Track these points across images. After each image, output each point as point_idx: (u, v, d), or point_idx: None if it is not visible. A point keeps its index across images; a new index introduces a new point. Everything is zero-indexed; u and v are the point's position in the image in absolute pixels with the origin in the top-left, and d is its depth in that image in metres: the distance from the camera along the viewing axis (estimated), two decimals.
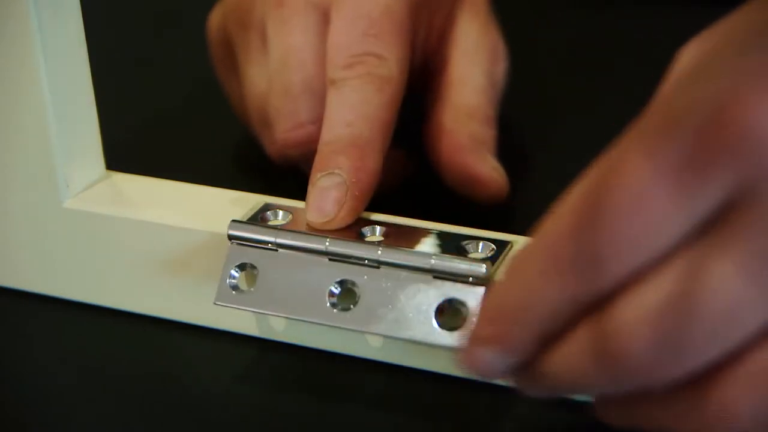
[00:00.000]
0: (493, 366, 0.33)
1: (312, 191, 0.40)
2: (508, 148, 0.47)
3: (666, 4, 0.65)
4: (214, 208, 0.42)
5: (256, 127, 0.48)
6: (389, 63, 0.44)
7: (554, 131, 0.54)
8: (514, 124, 0.52)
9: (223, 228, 0.40)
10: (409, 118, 0.46)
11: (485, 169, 0.45)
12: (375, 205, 0.41)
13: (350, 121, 0.42)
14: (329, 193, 0.40)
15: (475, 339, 0.33)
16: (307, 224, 0.40)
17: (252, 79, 0.48)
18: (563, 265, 0.31)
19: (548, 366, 0.32)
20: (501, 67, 0.50)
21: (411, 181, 0.48)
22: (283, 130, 0.45)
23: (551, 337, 0.32)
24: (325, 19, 0.46)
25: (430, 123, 0.47)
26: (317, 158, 0.41)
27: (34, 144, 0.42)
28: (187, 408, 0.39)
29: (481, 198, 0.45)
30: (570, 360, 0.31)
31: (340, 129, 0.42)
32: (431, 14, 0.48)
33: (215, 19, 0.51)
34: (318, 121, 0.44)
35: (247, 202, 0.42)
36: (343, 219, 0.40)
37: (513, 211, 0.47)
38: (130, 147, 0.53)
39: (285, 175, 0.48)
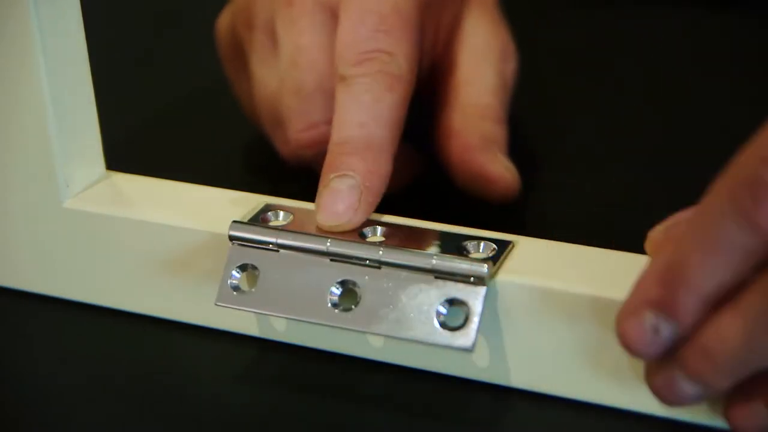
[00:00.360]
0: (651, 334, 0.32)
1: (324, 192, 0.40)
2: (508, 148, 0.47)
3: (666, 4, 0.65)
4: (214, 208, 0.42)
5: (267, 128, 0.48)
6: (399, 60, 0.43)
7: (554, 131, 0.54)
8: (514, 124, 0.52)
9: (223, 228, 0.40)
10: (417, 118, 0.46)
11: (497, 168, 0.45)
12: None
13: (362, 122, 0.41)
14: (342, 196, 0.39)
15: (636, 302, 0.33)
16: (317, 225, 0.39)
17: (262, 79, 0.48)
18: (744, 201, 0.30)
19: (712, 332, 0.31)
20: (511, 67, 0.49)
21: (412, 181, 0.48)
22: (296, 131, 0.45)
23: (716, 303, 0.31)
24: (334, 17, 0.45)
25: (440, 124, 0.47)
26: (328, 158, 0.41)
27: (34, 144, 0.42)
28: (187, 408, 0.39)
29: (493, 197, 0.45)
30: (739, 319, 0.31)
31: (352, 129, 0.41)
32: (440, 13, 0.48)
33: (224, 20, 0.51)
34: (331, 120, 0.43)
35: (248, 202, 0.42)
36: (354, 223, 0.39)
37: (514, 211, 0.46)
38: (130, 147, 0.53)
39: (286, 175, 0.48)
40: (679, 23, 0.65)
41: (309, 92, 0.45)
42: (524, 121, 0.54)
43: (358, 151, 0.41)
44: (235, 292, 0.39)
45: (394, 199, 0.42)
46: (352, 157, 0.40)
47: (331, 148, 0.41)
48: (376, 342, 0.40)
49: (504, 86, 0.48)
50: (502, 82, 0.48)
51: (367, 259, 0.38)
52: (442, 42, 0.49)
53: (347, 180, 0.40)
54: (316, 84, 0.45)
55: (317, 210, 0.40)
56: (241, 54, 0.49)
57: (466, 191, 0.45)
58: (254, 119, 0.50)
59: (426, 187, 0.48)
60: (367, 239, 0.39)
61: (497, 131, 0.46)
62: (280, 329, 0.41)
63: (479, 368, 0.39)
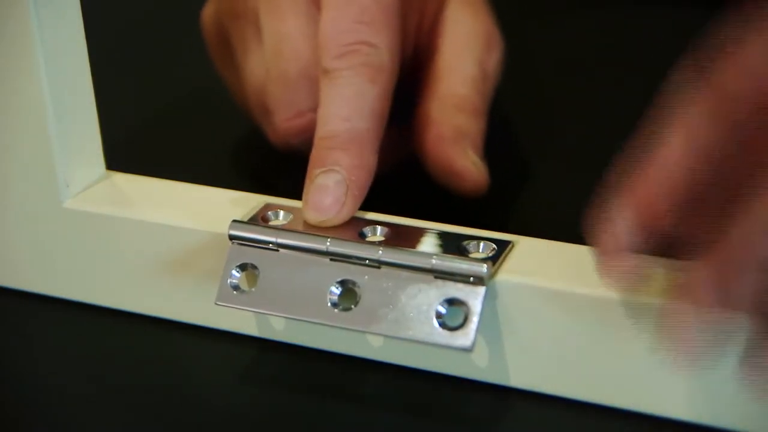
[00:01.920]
0: (625, 241, 0.33)
1: (310, 188, 0.40)
2: (507, 148, 0.47)
3: (666, 4, 0.65)
4: (214, 208, 0.42)
5: (257, 116, 0.48)
6: (381, 51, 0.43)
7: (554, 131, 0.54)
8: (514, 124, 0.52)
9: (223, 228, 0.40)
10: (402, 104, 0.46)
11: (464, 162, 0.44)
12: (375, 205, 0.41)
13: (346, 116, 0.42)
14: (328, 191, 0.40)
15: (613, 209, 0.33)
16: (304, 221, 0.40)
17: (249, 68, 0.48)
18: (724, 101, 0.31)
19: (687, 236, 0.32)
20: (494, 57, 0.49)
21: (411, 180, 0.48)
22: (283, 119, 0.45)
23: (691, 210, 0.32)
24: (316, 4, 0.45)
25: (418, 112, 0.47)
26: (314, 153, 0.41)
27: (34, 144, 0.42)
28: (187, 408, 0.39)
29: (459, 191, 0.45)
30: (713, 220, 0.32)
31: (336, 124, 0.42)
32: (424, 1, 0.48)
33: (209, 9, 0.51)
34: (317, 108, 0.43)
35: (248, 202, 0.42)
36: (341, 218, 0.40)
37: (513, 211, 0.47)
38: (130, 147, 0.53)
39: (285, 175, 0.48)
40: (680, 23, 0.65)
41: (294, 81, 0.45)
42: (524, 120, 0.54)
43: (343, 145, 0.41)
44: (234, 292, 0.39)
45: (391, 198, 0.42)
46: (336, 151, 0.40)
47: (316, 143, 0.41)
48: (376, 342, 0.40)
49: (484, 77, 0.48)
50: (482, 73, 0.48)
51: (366, 259, 0.38)
52: (426, 30, 0.48)
53: (333, 175, 0.40)
54: (300, 72, 0.45)
55: (304, 206, 0.40)
56: (227, 43, 0.49)
57: (436, 181, 0.45)
58: (244, 107, 0.50)
59: (425, 186, 0.48)
60: (367, 239, 0.39)
61: (471, 123, 0.46)
62: (279, 329, 0.41)
63: (479, 368, 0.39)
